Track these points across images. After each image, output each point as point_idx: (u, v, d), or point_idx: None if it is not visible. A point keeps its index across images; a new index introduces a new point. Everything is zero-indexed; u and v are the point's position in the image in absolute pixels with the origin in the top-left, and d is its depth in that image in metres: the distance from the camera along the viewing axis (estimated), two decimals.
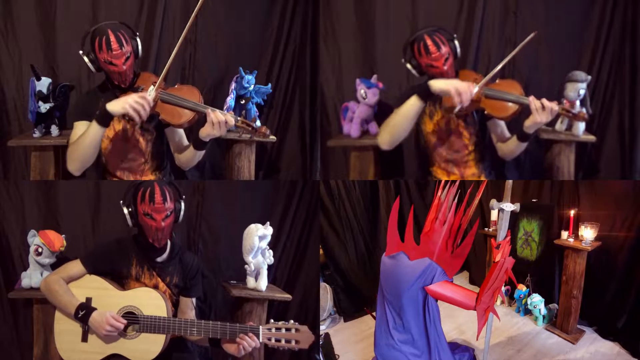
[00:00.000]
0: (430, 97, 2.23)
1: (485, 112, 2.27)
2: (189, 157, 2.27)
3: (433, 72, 2.29)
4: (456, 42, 2.31)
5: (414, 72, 2.37)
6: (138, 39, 2.16)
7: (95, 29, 2.10)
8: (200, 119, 2.15)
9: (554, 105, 2.11)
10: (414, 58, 2.34)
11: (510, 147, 2.36)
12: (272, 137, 2.65)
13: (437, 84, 2.18)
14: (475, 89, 2.17)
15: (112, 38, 2.05)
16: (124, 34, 2.09)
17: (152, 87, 2.10)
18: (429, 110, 2.38)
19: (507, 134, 2.41)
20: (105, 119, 2.03)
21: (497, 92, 2.23)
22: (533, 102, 2.13)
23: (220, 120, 2.03)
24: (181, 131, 2.33)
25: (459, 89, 2.12)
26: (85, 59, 2.12)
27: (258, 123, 2.64)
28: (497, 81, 2.32)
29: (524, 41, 2.22)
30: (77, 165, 2.13)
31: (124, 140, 2.21)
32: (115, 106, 1.99)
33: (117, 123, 2.20)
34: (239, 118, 2.11)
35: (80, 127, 2.16)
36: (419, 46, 2.27)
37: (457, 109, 2.18)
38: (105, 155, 2.24)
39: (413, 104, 2.23)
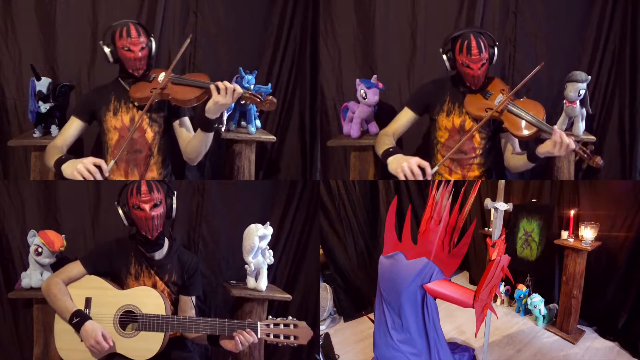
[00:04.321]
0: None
1: (504, 125, 2.24)
2: (195, 144, 2.25)
3: (466, 71, 2.25)
4: (496, 49, 2.27)
5: (447, 64, 2.31)
6: (153, 40, 2.25)
7: (117, 23, 2.22)
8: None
9: (571, 143, 2.06)
10: (451, 52, 2.29)
11: (517, 163, 2.34)
12: (272, 137, 2.66)
13: (391, 165, 2.19)
14: (433, 170, 2.18)
15: (132, 28, 2.18)
16: (143, 28, 2.23)
17: (163, 73, 2.23)
18: (447, 108, 2.35)
19: (518, 148, 2.39)
20: (59, 170, 2.09)
21: (521, 110, 2.20)
22: (556, 133, 2.07)
23: (227, 87, 2.07)
24: (187, 122, 2.36)
25: (407, 175, 2.11)
26: (106, 49, 2.20)
27: (258, 123, 2.66)
28: (523, 98, 2.28)
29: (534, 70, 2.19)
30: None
31: (130, 131, 2.23)
32: (66, 169, 2.05)
33: (125, 114, 2.24)
34: (246, 90, 2.17)
35: (72, 124, 2.28)
36: (462, 43, 2.22)
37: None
38: (111, 147, 2.26)
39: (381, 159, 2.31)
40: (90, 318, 1.90)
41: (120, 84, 2.28)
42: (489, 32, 2.32)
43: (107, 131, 2.26)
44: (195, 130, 2.27)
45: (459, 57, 2.25)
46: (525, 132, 2.19)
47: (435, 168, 2.22)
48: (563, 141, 2.06)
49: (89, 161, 2.01)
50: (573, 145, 2.07)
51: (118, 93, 2.26)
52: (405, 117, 2.44)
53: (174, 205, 2.09)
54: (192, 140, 2.28)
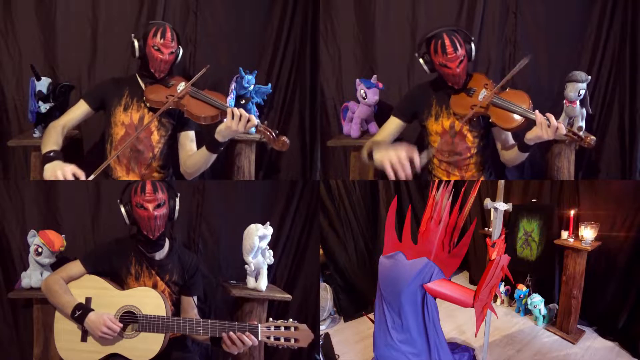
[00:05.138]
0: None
1: (491, 120, 2.23)
2: (197, 160, 2.24)
3: (445, 71, 2.23)
4: (473, 45, 2.25)
5: (425, 67, 2.30)
6: (181, 49, 2.31)
7: (155, 22, 2.29)
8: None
9: (560, 126, 2.03)
10: (427, 54, 2.27)
11: (511, 155, 2.33)
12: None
13: (376, 156, 2.13)
14: (421, 161, 2.07)
15: (168, 30, 2.23)
16: (177, 35, 2.29)
17: (183, 82, 2.23)
18: (435, 112, 2.35)
19: (511, 141, 2.37)
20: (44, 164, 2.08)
21: (505, 103, 2.18)
22: (538, 116, 2.06)
23: (243, 113, 2.05)
24: (193, 136, 2.35)
25: (394, 165, 2.04)
26: (135, 42, 2.22)
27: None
28: (507, 90, 2.26)
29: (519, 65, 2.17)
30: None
31: (137, 130, 2.23)
32: (47, 170, 2.05)
33: (135, 112, 2.25)
34: (261, 124, 2.11)
35: (79, 107, 2.28)
36: (436, 44, 2.20)
37: (391, 179, 2.10)
38: (115, 141, 2.26)
39: (364, 158, 2.28)
40: (92, 309, 1.90)
41: (136, 81, 2.29)
42: (462, 29, 2.31)
43: (113, 125, 2.26)
44: (199, 146, 2.27)
45: (436, 59, 2.23)
46: (513, 124, 2.18)
47: (425, 157, 2.12)
48: (552, 123, 2.03)
49: (69, 169, 2.01)
50: (563, 130, 2.05)
51: (133, 90, 2.27)
52: (391, 126, 2.42)
53: (177, 207, 2.10)
54: (195, 155, 2.27)
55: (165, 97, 2.19)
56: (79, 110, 2.28)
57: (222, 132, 2.10)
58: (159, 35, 2.20)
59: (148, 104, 2.24)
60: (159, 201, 2.01)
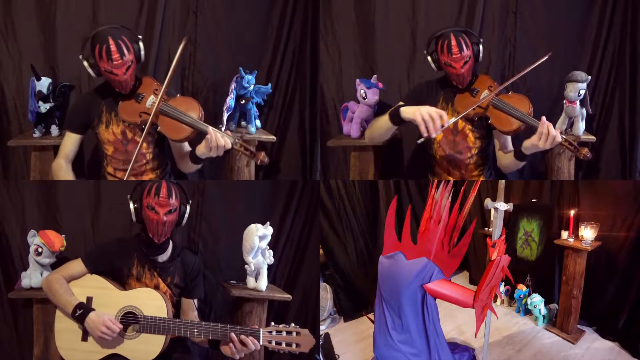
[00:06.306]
0: (400, 122, 2.21)
1: (489, 121, 2.24)
2: (187, 166, 2.30)
3: (450, 71, 2.24)
4: (480, 47, 2.24)
5: (433, 65, 2.30)
6: (141, 43, 2.11)
7: (95, 34, 2.04)
8: (198, 135, 2.14)
9: (558, 136, 2.04)
10: (435, 52, 2.28)
11: (507, 161, 2.34)
12: (272, 137, 2.66)
13: (405, 112, 2.14)
14: (448, 123, 2.10)
15: (113, 47, 2.00)
16: (125, 41, 2.05)
17: (152, 96, 2.12)
18: (441, 108, 2.34)
19: (510, 146, 2.38)
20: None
21: (506, 105, 2.18)
22: (543, 125, 2.05)
23: (219, 144, 2.03)
24: None
25: (425, 119, 2.05)
26: (85, 63, 2.09)
27: (258, 123, 2.66)
28: (509, 93, 2.27)
29: (539, 62, 2.18)
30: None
31: (125, 145, 2.21)
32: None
33: (116, 127, 2.20)
34: (237, 140, 2.06)
35: (68, 139, 2.24)
36: (443, 43, 2.20)
37: (420, 140, 2.12)
38: (108, 159, 2.25)
39: (385, 122, 2.26)
40: (93, 309, 1.90)
41: (110, 97, 2.19)
42: (470, 30, 2.31)
43: (102, 142, 2.24)
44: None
45: (442, 58, 2.24)
46: (510, 127, 2.18)
47: (452, 120, 2.15)
48: (550, 133, 2.04)
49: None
50: (559, 139, 2.05)
51: (109, 104, 2.19)
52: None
53: (186, 215, 2.08)
54: (183, 160, 2.30)
55: (138, 116, 2.11)
56: (70, 142, 2.24)
57: (201, 153, 2.12)
58: (104, 57, 2.00)
59: (126, 122, 2.17)
60: (171, 207, 1.99)
